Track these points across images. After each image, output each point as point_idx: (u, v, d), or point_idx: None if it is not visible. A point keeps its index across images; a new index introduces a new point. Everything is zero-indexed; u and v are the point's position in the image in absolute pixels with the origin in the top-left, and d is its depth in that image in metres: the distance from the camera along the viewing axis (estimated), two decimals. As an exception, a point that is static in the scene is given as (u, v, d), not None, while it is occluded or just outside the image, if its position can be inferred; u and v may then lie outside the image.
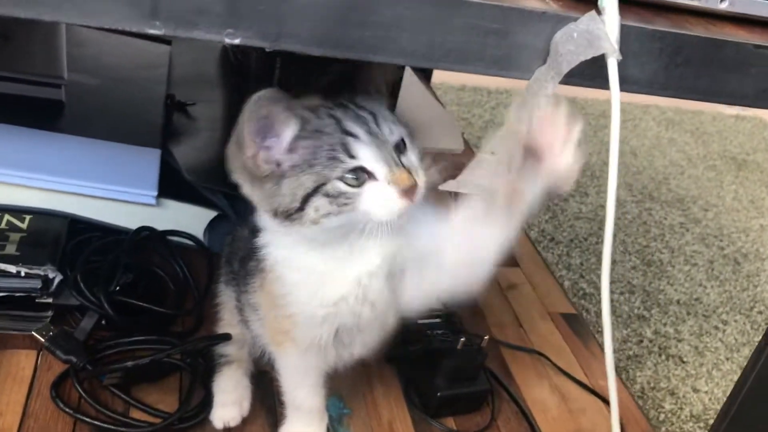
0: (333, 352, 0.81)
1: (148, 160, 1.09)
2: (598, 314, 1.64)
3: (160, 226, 1.08)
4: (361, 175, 0.67)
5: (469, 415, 0.99)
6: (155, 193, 1.05)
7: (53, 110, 1.13)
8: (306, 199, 0.67)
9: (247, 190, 0.71)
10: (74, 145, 1.07)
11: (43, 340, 0.92)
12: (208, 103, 1.31)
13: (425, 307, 0.79)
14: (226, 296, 0.98)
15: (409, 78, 1.57)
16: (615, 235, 1.95)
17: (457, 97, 2.60)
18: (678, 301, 1.74)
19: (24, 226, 1.00)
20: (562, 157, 0.63)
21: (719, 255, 1.98)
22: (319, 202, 0.67)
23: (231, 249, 0.96)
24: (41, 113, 1.11)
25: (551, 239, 1.87)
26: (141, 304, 0.98)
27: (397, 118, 0.72)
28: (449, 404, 0.98)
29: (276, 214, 0.70)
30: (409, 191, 0.67)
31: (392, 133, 0.69)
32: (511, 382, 1.06)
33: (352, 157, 0.67)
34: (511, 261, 1.35)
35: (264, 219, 0.75)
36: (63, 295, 0.96)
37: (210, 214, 1.10)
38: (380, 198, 0.67)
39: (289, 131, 0.67)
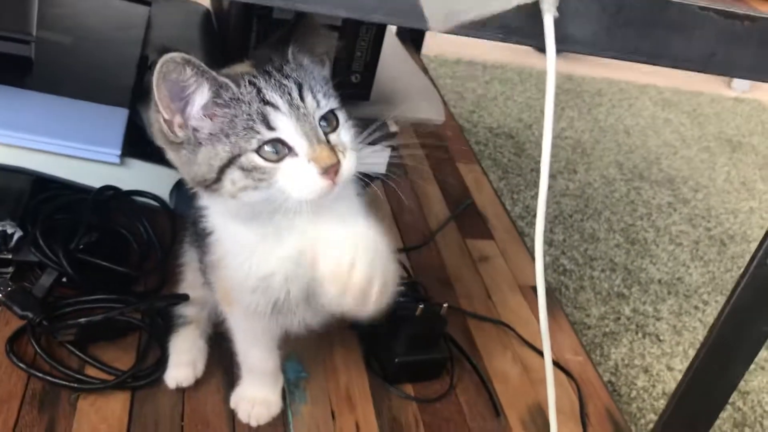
0: (274, 319, 0.80)
1: (115, 120, 1.08)
2: (577, 290, 1.63)
3: (126, 186, 1.07)
4: (281, 149, 0.64)
5: (427, 382, 0.99)
6: (119, 152, 1.04)
7: (21, 67, 1.12)
8: (222, 170, 0.65)
9: (169, 156, 0.70)
10: (41, 102, 1.07)
11: (0, 295, 0.92)
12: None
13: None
14: (189, 257, 0.98)
15: (392, 45, 1.55)
16: (601, 213, 1.94)
17: (451, 71, 2.57)
18: (659, 281, 1.74)
19: (-14, 181, 1.00)
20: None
21: (705, 236, 1.96)
22: (234, 175, 0.65)
23: (196, 210, 0.95)
24: (8, 69, 1.10)
25: (535, 215, 1.85)
26: (102, 263, 0.98)
27: (331, 91, 0.69)
28: (407, 371, 0.97)
29: (195, 182, 0.68)
30: (330, 171, 0.64)
31: (319, 106, 0.67)
32: (474, 351, 1.06)
33: (270, 128, 0.64)
34: (485, 233, 1.34)
35: (210, 201, 0.74)
36: (23, 252, 0.96)
37: (176, 175, 1.09)
38: (299, 175, 0.64)
39: (199, 97, 0.65)
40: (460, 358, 1.04)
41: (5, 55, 1.11)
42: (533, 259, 1.32)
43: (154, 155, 1.07)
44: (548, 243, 1.75)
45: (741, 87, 3.03)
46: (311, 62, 0.71)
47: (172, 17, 1.45)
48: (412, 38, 1.99)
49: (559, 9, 0.54)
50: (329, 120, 0.68)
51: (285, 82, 0.66)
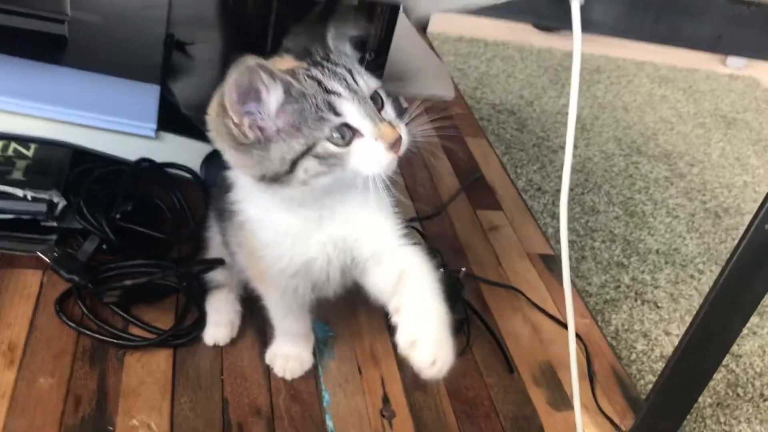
0: (311, 294, 0.87)
1: (148, 95, 1.13)
2: (579, 260, 1.70)
3: (159, 159, 1.13)
4: (347, 133, 0.70)
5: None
6: (155, 126, 1.10)
7: (57, 45, 1.17)
8: (295, 162, 0.70)
9: (230, 156, 0.74)
10: (78, 79, 1.12)
11: (47, 260, 0.98)
12: (206, 43, 1.36)
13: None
14: (213, 232, 1.04)
15: (403, 25, 1.60)
16: (600, 187, 2.01)
17: (454, 48, 2.62)
18: (657, 251, 1.81)
19: (30, 154, 1.06)
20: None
21: (701, 208, 2.04)
22: (308, 164, 0.70)
23: (219, 188, 1.00)
24: (45, 47, 1.16)
25: (538, 188, 1.92)
26: (140, 229, 1.04)
27: (370, 72, 0.74)
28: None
29: (263, 178, 0.72)
30: (395, 144, 0.70)
31: (369, 87, 0.72)
32: (487, 314, 1.13)
33: (337, 114, 0.69)
34: (494, 204, 1.41)
35: (240, 179, 0.79)
36: (67, 220, 1.02)
37: (207, 148, 1.15)
38: (369, 154, 0.70)
39: (274, 97, 0.69)
40: (475, 320, 1.11)
41: (42, 34, 1.16)
42: (540, 228, 1.39)
43: (186, 129, 1.14)
44: (551, 215, 1.82)
45: (735, 64, 3.09)
46: (349, 47, 0.76)
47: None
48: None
49: (584, -5, 0.60)
50: (375, 99, 0.73)
51: (338, 70, 0.71)
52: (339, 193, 0.75)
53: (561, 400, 1.02)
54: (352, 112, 0.70)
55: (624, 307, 1.60)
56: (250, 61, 0.66)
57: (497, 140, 2.09)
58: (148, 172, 1.13)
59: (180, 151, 1.14)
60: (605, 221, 1.88)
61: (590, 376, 1.07)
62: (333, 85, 0.70)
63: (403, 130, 0.72)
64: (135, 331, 0.95)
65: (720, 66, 3.09)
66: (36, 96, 1.07)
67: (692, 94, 2.75)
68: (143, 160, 1.12)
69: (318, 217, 0.78)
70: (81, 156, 1.09)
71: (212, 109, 0.72)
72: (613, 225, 1.87)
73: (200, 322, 0.97)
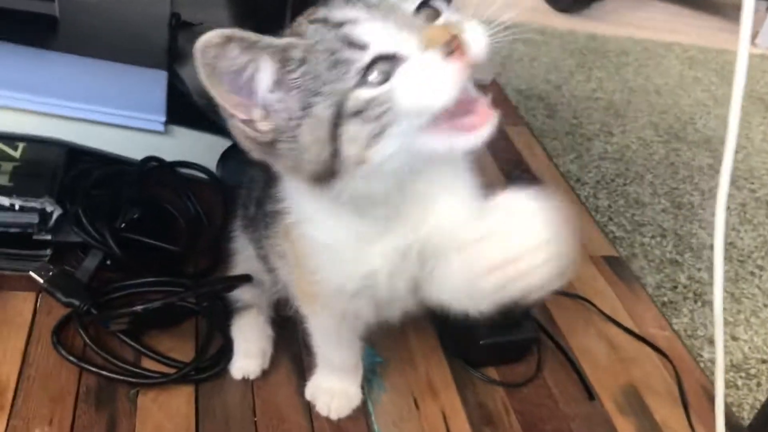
0: (370, 316, 0.70)
1: (155, 83, 0.98)
2: (629, 258, 1.55)
3: (169, 157, 0.98)
4: (384, 66, 0.50)
5: (512, 365, 0.90)
6: (164, 119, 0.95)
7: (46, 26, 1.02)
8: (333, 136, 0.51)
9: (274, 164, 0.57)
10: (71, 65, 0.97)
11: (41, 280, 0.83)
12: (216, 24, 1.19)
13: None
14: (241, 243, 0.88)
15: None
16: (643, 176, 1.86)
17: (472, 32, 2.47)
18: (711, 246, 1.65)
19: (17, 154, 0.90)
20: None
21: (751, 198, 1.88)
22: (350, 130, 0.51)
23: (248, 191, 0.83)
24: (33, 29, 1.00)
25: (577, 180, 1.77)
26: (150, 241, 0.88)
27: None
28: (492, 353, 0.89)
29: (314, 177, 0.54)
30: (455, 49, 0.49)
31: None
32: (555, 329, 0.98)
33: (361, 47, 0.50)
34: (546, 200, 1.25)
35: (298, 190, 0.61)
36: (63, 232, 0.87)
37: (224, 143, 0.99)
38: (422, 76, 0.49)
39: (264, 74, 0.52)
40: (543, 338, 0.95)
41: (29, 14, 1.01)
42: (599, 226, 1.24)
43: (199, 122, 0.98)
44: (594, 209, 1.66)
45: (766, 44, 2.94)
46: None
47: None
48: None
49: None
50: (426, 14, 0.53)
51: None
52: (413, 181, 0.57)
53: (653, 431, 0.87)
54: (377, 32, 0.50)
55: (684, 310, 1.45)
56: (215, 35, 0.49)
57: (528, 128, 1.93)
58: (157, 173, 0.97)
59: (193, 148, 0.98)
60: (652, 214, 1.72)
61: (684, 401, 0.91)
62: (344, 13, 0.52)
63: (468, 29, 0.50)
64: (149, 364, 0.80)
65: (750, 46, 2.93)
66: (23, 86, 0.91)
67: (725, 76, 2.59)
68: (151, 158, 0.95)
69: (384, 218, 0.60)
70: (77, 156, 0.94)
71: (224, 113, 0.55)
72: (662, 218, 1.71)
73: (225, 351, 0.81)
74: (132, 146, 0.95)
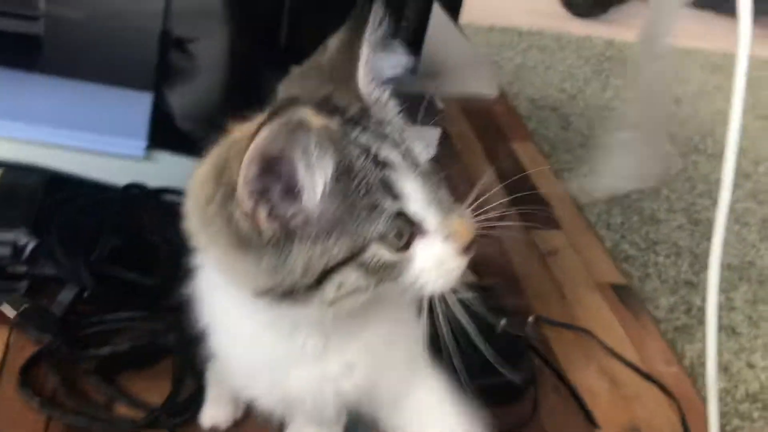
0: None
1: (138, 106, 0.95)
2: (642, 279, 1.49)
3: (152, 183, 0.94)
4: (404, 228, 0.48)
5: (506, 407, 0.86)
6: (144, 144, 0.91)
7: (29, 47, 0.98)
8: (327, 274, 0.47)
9: (221, 259, 0.50)
10: (53, 88, 0.94)
11: (13, 314, 0.79)
12: (210, 40, 1.16)
13: None
14: None
15: (437, 14, 1.40)
16: (658, 191, 1.79)
17: (486, 39, 2.42)
18: (729, 265, 1.59)
19: (-7, 182, 0.87)
20: None
21: (773, 213, 1.82)
22: (348, 277, 0.48)
23: None
24: (15, 50, 0.97)
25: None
26: (128, 274, 0.85)
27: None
28: (483, 396, 0.84)
29: (268, 293, 0.48)
30: (469, 246, 0.50)
31: (422, 154, 0.50)
32: (555, 364, 0.93)
33: (395, 197, 0.47)
34: (552, 222, 1.21)
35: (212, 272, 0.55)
36: (39, 263, 0.83)
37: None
38: (437, 261, 0.49)
39: (321, 175, 0.46)
40: (542, 373, 0.90)
41: (11, 35, 0.97)
42: (607, 250, 1.18)
43: (184, 146, 0.95)
44: (606, 226, 1.61)
45: (791, 49, 2.85)
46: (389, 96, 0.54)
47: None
48: (450, 5, 1.83)
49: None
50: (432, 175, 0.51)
51: (386, 131, 0.49)
52: (365, 314, 0.54)
53: (658, 479, 0.82)
54: (414, 194, 0.48)
55: (698, 335, 1.38)
56: (300, 113, 0.43)
57: (540, 141, 1.88)
58: (139, 201, 0.93)
59: (178, 173, 0.94)
60: (667, 231, 1.66)
61: (688, 443, 0.86)
62: (386, 152, 0.48)
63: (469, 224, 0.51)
64: (122, 409, 0.76)
65: (775, 52, 2.85)
66: (1, 111, 0.88)
67: (750, 83, 2.51)
68: (132, 185, 0.92)
69: (322, 345, 0.57)
70: (57, 182, 0.90)
71: (201, 188, 0.48)
72: (677, 236, 1.65)
73: (200, 393, 0.77)
74: (114, 172, 0.92)
